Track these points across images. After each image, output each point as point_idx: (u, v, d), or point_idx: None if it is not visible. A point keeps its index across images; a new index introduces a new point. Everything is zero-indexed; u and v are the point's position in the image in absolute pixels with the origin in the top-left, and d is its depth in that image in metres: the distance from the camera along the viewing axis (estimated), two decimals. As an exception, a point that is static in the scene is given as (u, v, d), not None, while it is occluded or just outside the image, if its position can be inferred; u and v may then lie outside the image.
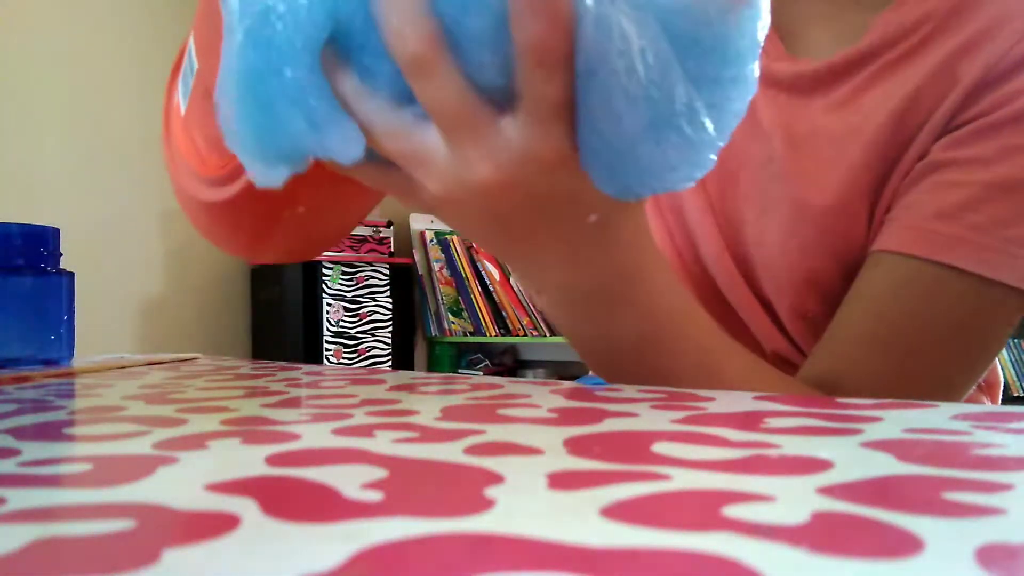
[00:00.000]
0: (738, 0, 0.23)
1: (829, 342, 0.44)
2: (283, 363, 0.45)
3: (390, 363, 2.54)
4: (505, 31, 0.23)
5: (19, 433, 0.20)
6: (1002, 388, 0.59)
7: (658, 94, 0.23)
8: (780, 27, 0.51)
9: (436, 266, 2.76)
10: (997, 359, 0.58)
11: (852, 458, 0.15)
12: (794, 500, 0.12)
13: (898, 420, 0.20)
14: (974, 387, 0.45)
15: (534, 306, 2.59)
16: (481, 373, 2.77)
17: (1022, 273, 0.40)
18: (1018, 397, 2.37)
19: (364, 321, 2.47)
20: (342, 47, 0.25)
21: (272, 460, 0.16)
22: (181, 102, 0.42)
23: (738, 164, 0.51)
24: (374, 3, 0.24)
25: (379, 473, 0.15)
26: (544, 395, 0.27)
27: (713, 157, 0.26)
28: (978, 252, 0.40)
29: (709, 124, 0.24)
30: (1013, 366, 2.42)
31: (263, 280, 2.44)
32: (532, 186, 0.26)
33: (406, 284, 2.64)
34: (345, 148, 0.26)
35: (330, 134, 0.25)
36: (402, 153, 0.26)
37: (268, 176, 0.27)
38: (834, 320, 0.44)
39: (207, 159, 0.39)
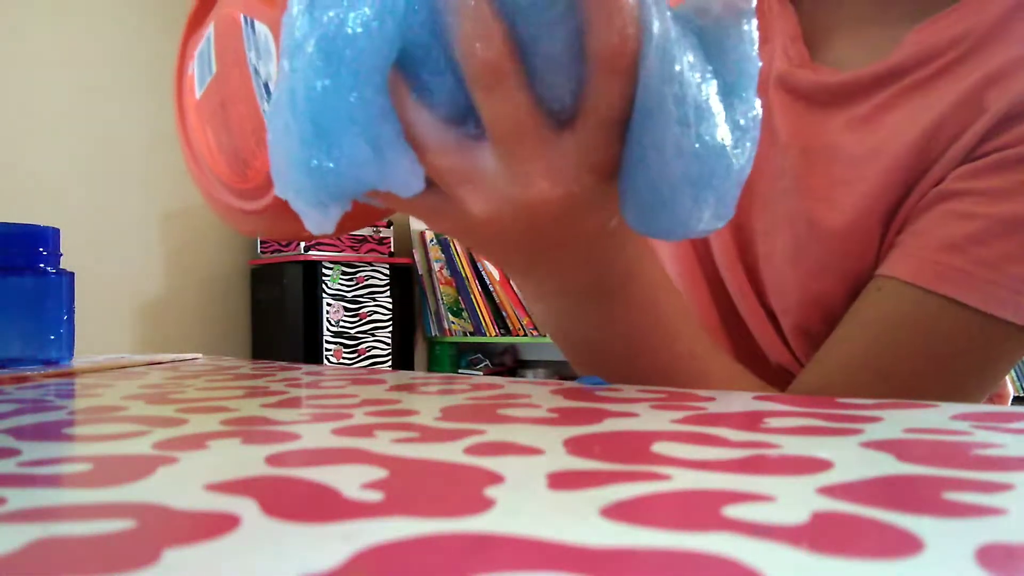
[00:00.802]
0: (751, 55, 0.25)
1: (821, 364, 0.43)
2: (283, 363, 0.45)
3: (390, 363, 2.54)
4: (574, 43, 0.23)
5: (19, 433, 0.20)
6: (1011, 402, 0.59)
7: (705, 152, 0.24)
8: (805, 32, 0.50)
9: (436, 266, 2.76)
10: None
11: (852, 458, 0.15)
12: (794, 500, 0.12)
13: (898, 420, 0.20)
14: None
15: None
16: (481, 373, 2.76)
17: None
18: (1018, 397, 2.37)
19: (364, 321, 2.47)
20: (403, 63, 0.24)
21: (272, 460, 0.16)
22: (196, 85, 0.41)
23: (754, 174, 0.50)
24: (444, 11, 0.23)
25: (379, 473, 0.15)
26: (544, 395, 0.27)
27: (733, 211, 0.26)
28: (983, 288, 0.39)
29: (737, 183, 0.25)
30: (1013, 366, 2.41)
31: (263, 280, 2.44)
32: (581, 198, 0.26)
33: (406, 284, 2.64)
34: (407, 180, 0.25)
35: (394, 164, 0.24)
36: (452, 170, 0.26)
37: (322, 221, 0.25)
38: (830, 340, 0.44)
39: (220, 163, 0.39)
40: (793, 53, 0.49)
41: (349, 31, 0.22)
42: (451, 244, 2.73)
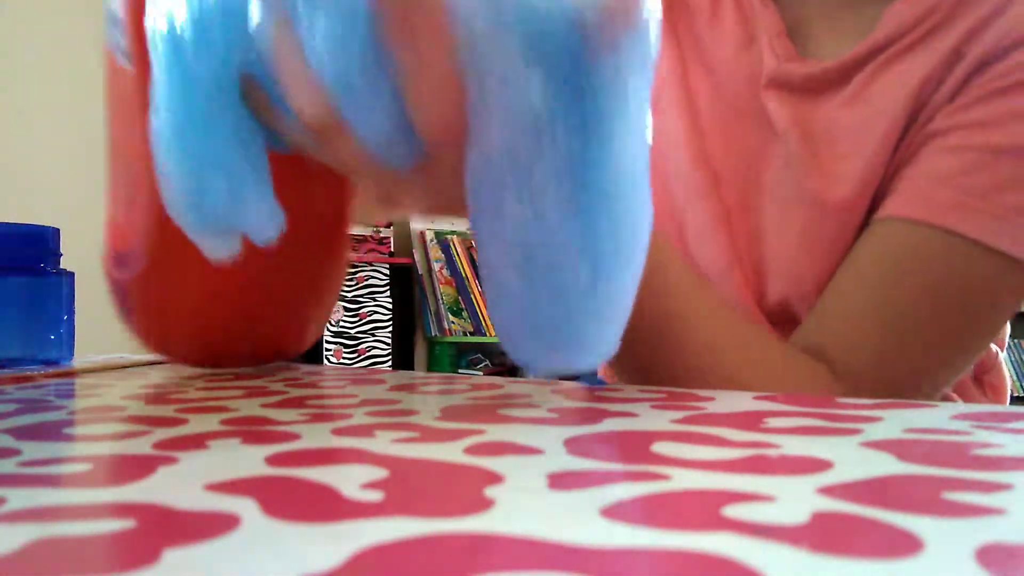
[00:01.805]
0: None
1: (821, 315, 0.43)
2: (283, 363, 0.45)
3: (390, 363, 2.54)
4: (401, 120, 0.22)
5: (19, 433, 0.20)
6: (1008, 393, 0.59)
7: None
8: (788, 28, 0.51)
9: (436, 266, 2.76)
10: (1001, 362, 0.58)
11: (852, 458, 0.15)
12: (794, 500, 0.12)
13: (898, 420, 0.20)
14: (971, 367, 0.44)
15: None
16: (481, 373, 2.77)
17: (1021, 241, 0.40)
18: (1018, 397, 2.37)
19: (364, 321, 2.47)
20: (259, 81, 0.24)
21: (272, 460, 0.16)
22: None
23: (759, 170, 0.50)
24: (271, 64, 0.23)
25: (379, 473, 0.15)
26: (544, 395, 0.27)
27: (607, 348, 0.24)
28: (975, 217, 0.40)
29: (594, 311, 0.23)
30: (1013, 366, 2.42)
31: (263, 280, 2.44)
32: (452, 208, 0.27)
33: (406, 284, 2.64)
34: (263, 226, 0.24)
35: (252, 208, 0.24)
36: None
37: (214, 249, 0.25)
38: (828, 290, 0.44)
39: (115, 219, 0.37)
40: (780, 49, 0.49)
41: (191, 69, 0.23)
42: (451, 244, 2.73)
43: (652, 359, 0.37)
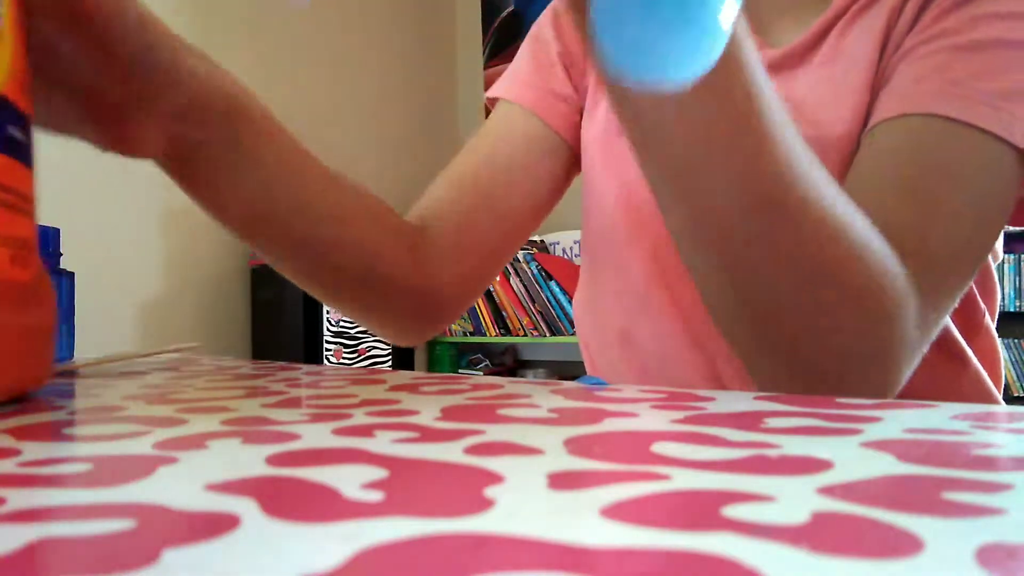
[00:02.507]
0: None
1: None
2: (283, 363, 0.45)
3: (390, 363, 2.55)
4: None
5: (19, 433, 0.20)
6: (1002, 362, 0.59)
7: None
8: (751, 21, 0.53)
9: (436, 266, 2.75)
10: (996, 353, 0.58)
11: (852, 458, 0.15)
12: (794, 500, 0.12)
13: (898, 420, 0.20)
14: (975, 274, 0.44)
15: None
16: (481, 373, 2.77)
17: (1007, 124, 0.40)
18: (1018, 397, 2.37)
19: (364, 321, 2.47)
20: None
21: (272, 460, 0.16)
22: None
23: None
24: None
25: (379, 473, 0.15)
26: (544, 395, 0.27)
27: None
28: (956, 101, 0.41)
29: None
30: (1013, 366, 2.42)
31: (263, 280, 2.44)
32: None
33: (406, 284, 2.64)
34: None
35: None
36: None
37: None
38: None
39: None
40: None
41: None
42: (451, 244, 2.72)
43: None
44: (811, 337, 0.37)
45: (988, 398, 0.54)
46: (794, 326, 0.36)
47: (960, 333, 0.53)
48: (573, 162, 0.65)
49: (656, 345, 0.57)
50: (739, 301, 0.37)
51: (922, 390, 0.45)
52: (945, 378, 0.52)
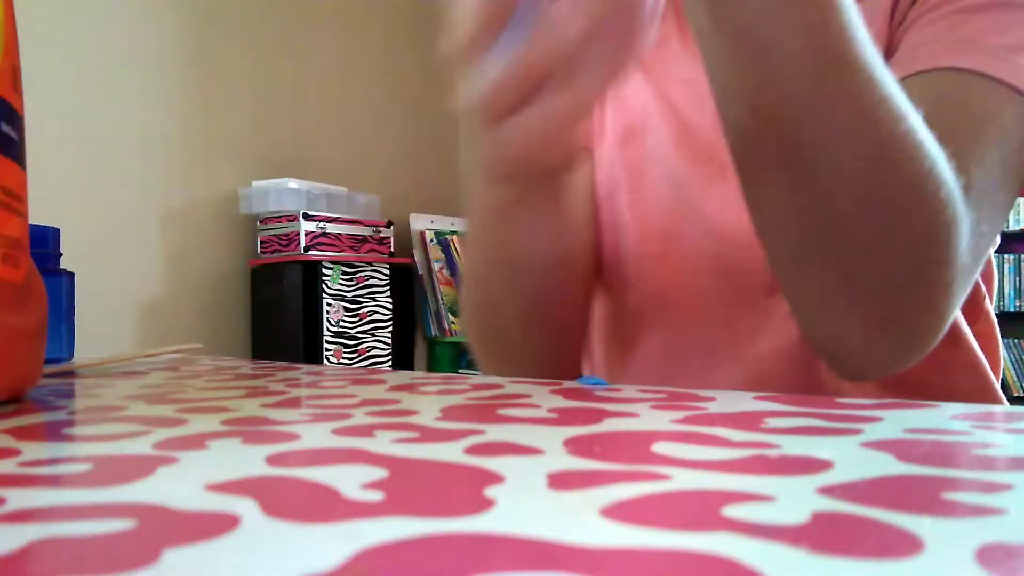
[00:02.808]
0: None
1: None
2: (283, 363, 0.45)
3: (390, 363, 2.54)
4: None
5: (19, 433, 0.20)
6: (1000, 346, 0.59)
7: None
8: None
9: (436, 266, 2.76)
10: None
11: (852, 458, 0.15)
12: (794, 500, 0.12)
13: (898, 420, 0.20)
14: (1004, 223, 0.44)
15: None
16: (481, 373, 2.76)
17: (1017, 74, 0.41)
18: (1018, 397, 2.37)
19: (364, 321, 2.47)
20: None
21: (272, 460, 0.16)
22: None
23: None
24: None
25: (379, 473, 0.15)
26: (544, 395, 0.27)
27: None
28: (972, 55, 0.41)
29: None
30: (1013, 366, 2.42)
31: (263, 280, 2.44)
32: None
33: (406, 284, 2.64)
34: None
35: None
36: None
37: None
38: None
39: None
40: None
41: None
42: (451, 244, 2.73)
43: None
44: (870, 239, 0.36)
45: (986, 384, 0.54)
46: (853, 226, 0.36)
47: (963, 314, 0.53)
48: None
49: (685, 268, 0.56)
50: (797, 206, 0.36)
51: (919, 371, 0.44)
52: (945, 361, 0.52)
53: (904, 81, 0.43)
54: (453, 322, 2.73)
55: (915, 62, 0.43)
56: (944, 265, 0.37)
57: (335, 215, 2.41)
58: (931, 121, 0.42)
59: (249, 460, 0.16)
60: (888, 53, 0.47)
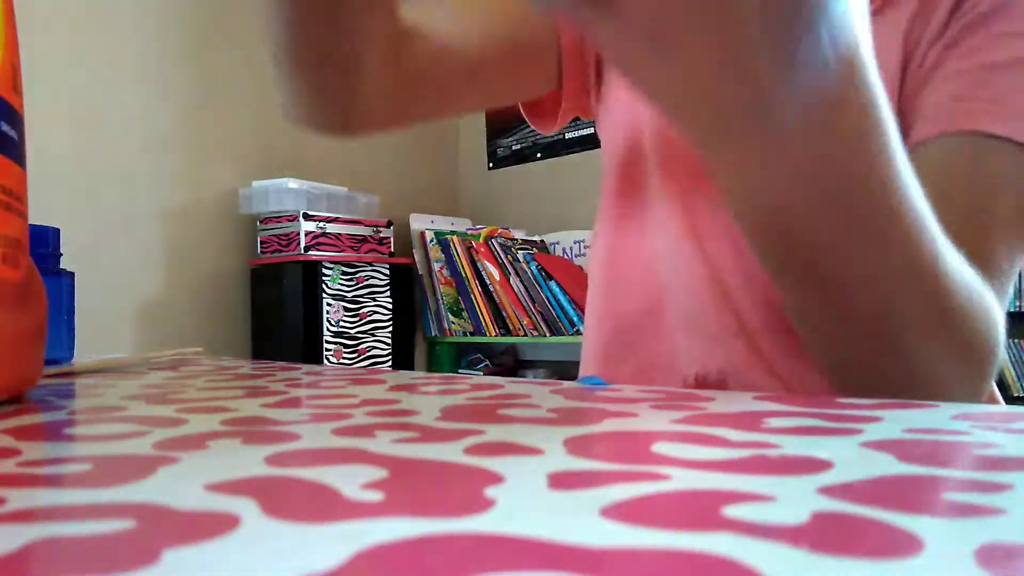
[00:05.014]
0: None
1: None
2: (283, 363, 0.45)
3: (390, 363, 2.54)
4: None
5: (19, 433, 0.20)
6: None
7: None
8: None
9: (436, 266, 2.76)
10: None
11: (852, 458, 0.15)
12: (794, 500, 0.12)
13: (898, 420, 0.20)
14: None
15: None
16: (481, 373, 2.77)
17: None
18: (1018, 397, 2.37)
19: (364, 321, 2.47)
20: None
21: (272, 460, 0.16)
22: None
23: None
24: None
25: (379, 473, 0.15)
26: (544, 395, 0.27)
27: None
28: (993, 118, 0.41)
29: None
30: (1013, 366, 2.42)
31: (263, 280, 2.44)
32: None
33: (406, 284, 2.64)
34: None
35: None
36: None
37: None
38: None
39: None
40: None
41: None
42: (451, 244, 2.73)
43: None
44: (908, 375, 0.35)
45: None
46: (890, 360, 0.34)
47: None
48: (553, 79, 0.62)
49: (684, 295, 0.56)
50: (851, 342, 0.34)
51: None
52: None
53: (937, 142, 0.42)
54: (453, 322, 2.73)
55: (935, 123, 0.43)
56: (988, 378, 0.38)
57: (335, 215, 2.41)
58: (965, 185, 0.42)
59: (249, 460, 0.16)
60: (907, 90, 0.46)
